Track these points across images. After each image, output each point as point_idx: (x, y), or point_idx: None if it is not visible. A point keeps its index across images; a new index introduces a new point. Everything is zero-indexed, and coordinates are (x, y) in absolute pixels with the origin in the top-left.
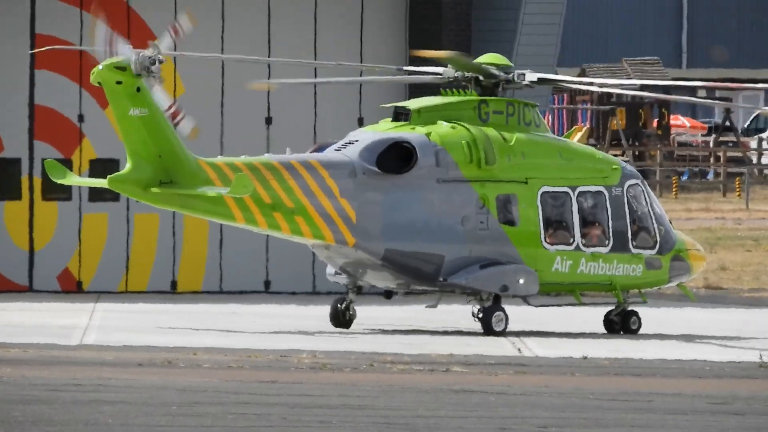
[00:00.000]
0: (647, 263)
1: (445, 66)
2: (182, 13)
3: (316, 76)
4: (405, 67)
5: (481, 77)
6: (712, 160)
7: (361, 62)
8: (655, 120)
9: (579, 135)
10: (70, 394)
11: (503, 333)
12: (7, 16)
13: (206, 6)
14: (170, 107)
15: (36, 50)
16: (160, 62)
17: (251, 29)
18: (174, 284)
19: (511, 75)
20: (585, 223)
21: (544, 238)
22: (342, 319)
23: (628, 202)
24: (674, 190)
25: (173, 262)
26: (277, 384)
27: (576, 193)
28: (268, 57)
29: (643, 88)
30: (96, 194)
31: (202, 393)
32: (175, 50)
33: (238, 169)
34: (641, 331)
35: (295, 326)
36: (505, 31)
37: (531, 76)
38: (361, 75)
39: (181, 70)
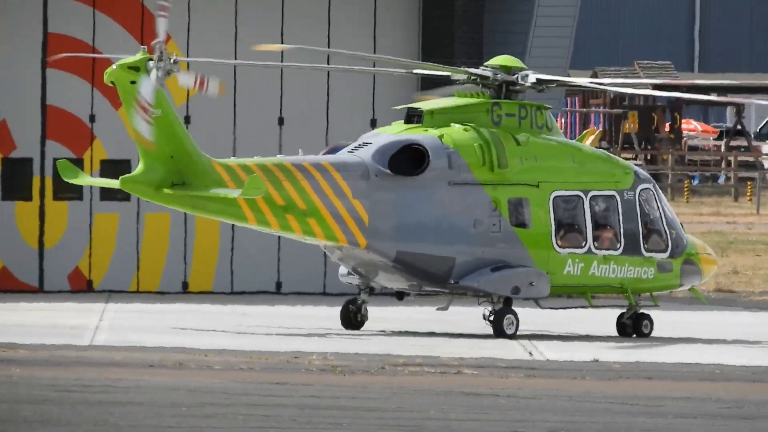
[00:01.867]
0: (659, 266)
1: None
2: (216, 79)
3: (329, 80)
4: (424, 63)
5: (488, 78)
6: (723, 164)
7: (373, 64)
8: (667, 124)
9: (591, 138)
10: (80, 395)
11: (514, 336)
12: (19, 15)
13: (220, 5)
14: (196, 80)
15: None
16: (175, 62)
17: (264, 30)
18: (185, 284)
19: (515, 77)
20: (597, 226)
21: (556, 241)
22: (353, 320)
23: (640, 206)
24: (686, 194)
25: (184, 263)
26: (288, 385)
27: (588, 196)
28: (281, 59)
29: (655, 89)
30: (107, 194)
31: (212, 394)
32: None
33: (251, 170)
34: (653, 335)
35: (306, 327)
36: (517, 33)
37: (532, 78)
38: (373, 78)
39: (193, 71)
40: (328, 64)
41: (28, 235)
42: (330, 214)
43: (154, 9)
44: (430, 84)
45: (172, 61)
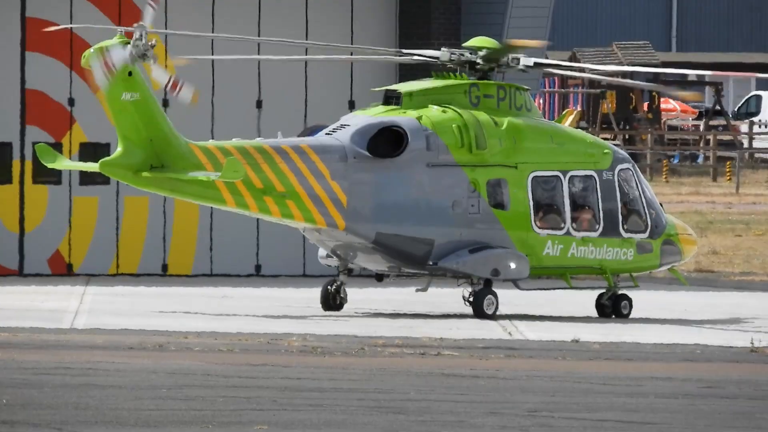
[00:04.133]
0: (638, 247)
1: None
2: (192, 86)
3: (307, 62)
4: (403, 50)
5: (478, 62)
6: (702, 144)
7: (351, 44)
8: (646, 103)
9: (570, 119)
10: (60, 378)
11: (494, 316)
12: None
13: None
14: (169, 80)
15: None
16: (152, 46)
17: (241, 12)
18: (165, 267)
19: (507, 59)
20: (575, 207)
21: (535, 222)
22: (332, 302)
23: (619, 187)
24: (665, 174)
25: (164, 245)
26: (268, 367)
27: (567, 177)
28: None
29: (634, 74)
30: (86, 178)
31: (192, 376)
32: (162, 27)
33: (229, 153)
34: (632, 315)
35: (285, 309)
36: (494, 14)
37: (526, 61)
38: (351, 55)
39: (172, 54)
40: (305, 53)
41: (7, 218)
42: (309, 197)
43: None
44: (408, 67)
45: (150, 44)
